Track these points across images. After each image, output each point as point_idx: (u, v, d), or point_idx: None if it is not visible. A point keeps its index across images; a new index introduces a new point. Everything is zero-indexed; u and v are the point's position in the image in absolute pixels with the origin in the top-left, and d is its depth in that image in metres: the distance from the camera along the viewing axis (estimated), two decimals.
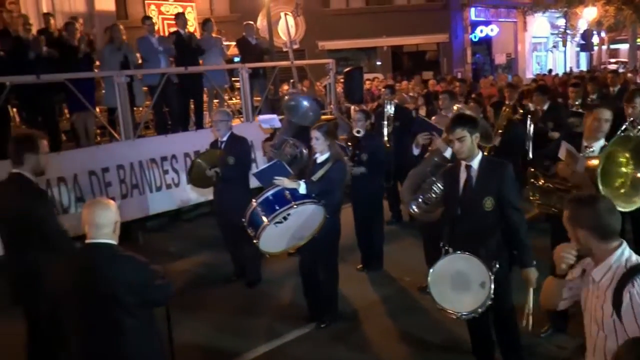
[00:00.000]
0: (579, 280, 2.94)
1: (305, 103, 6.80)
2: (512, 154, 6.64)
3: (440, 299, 4.16)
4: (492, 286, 3.99)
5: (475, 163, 4.25)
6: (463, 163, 4.30)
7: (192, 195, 9.05)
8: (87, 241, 3.40)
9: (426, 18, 25.50)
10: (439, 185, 5.24)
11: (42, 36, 8.65)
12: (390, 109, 8.13)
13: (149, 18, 10.62)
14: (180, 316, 4.68)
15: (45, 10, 12.21)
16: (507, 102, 8.62)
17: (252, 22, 11.91)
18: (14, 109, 9.42)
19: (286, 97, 7.03)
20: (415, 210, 5.54)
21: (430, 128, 5.98)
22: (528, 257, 4.19)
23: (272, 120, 7.56)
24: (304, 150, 6.45)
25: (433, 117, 6.59)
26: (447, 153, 5.30)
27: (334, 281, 5.84)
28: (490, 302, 4.03)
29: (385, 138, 7.89)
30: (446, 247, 4.30)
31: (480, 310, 4.06)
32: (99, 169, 8.12)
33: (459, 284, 4.16)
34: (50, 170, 7.36)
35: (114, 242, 3.44)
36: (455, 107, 6.69)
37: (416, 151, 6.26)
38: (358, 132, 6.85)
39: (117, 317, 3.34)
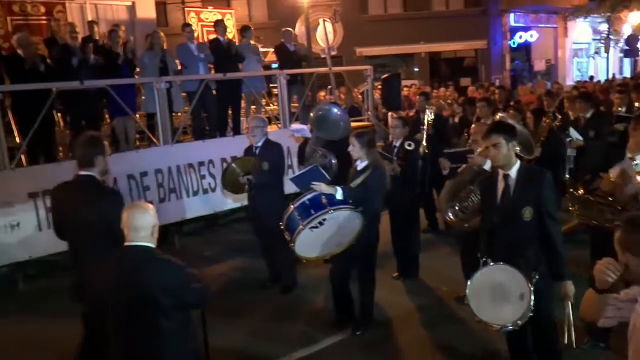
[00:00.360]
0: (630, 305, 2.71)
1: (336, 111, 6.72)
2: (553, 164, 6.54)
3: (479, 311, 4.09)
4: (532, 298, 3.91)
5: (513, 172, 4.16)
6: (501, 172, 4.23)
7: (229, 200, 9.13)
8: (126, 244, 3.47)
9: (465, 24, 25.25)
10: (476, 194, 5.19)
11: (88, 44, 8.83)
12: (430, 116, 8.07)
13: (189, 25, 10.78)
14: (215, 320, 4.71)
15: (90, 19, 12.53)
16: (546, 110, 8.49)
17: (290, 29, 11.98)
18: (59, 114, 9.65)
19: (315, 109, 6.94)
20: (452, 218, 5.51)
21: (458, 159, 5.96)
22: (563, 270, 4.11)
23: (303, 130, 7.58)
24: (334, 161, 6.49)
25: (472, 126, 6.51)
26: (487, 166, 5.22)
27: (371, 289, 5.81)
28: (530, 314, 3.94)
29: (424, 144, 7.78)
30: (484, 259, 4.22)
31: (520, 322, 3.98)
32: (138, 174, 8.28)
33: (498, 296, 4.08)
34: None
35: (152, 245, 3.49)
36: (498, 116, 6.61)
37: (445, 172, 6.25)
38: (410, 145, 6.80)
39: (154, 319, 3.38)
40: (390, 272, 7.11)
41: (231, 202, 9.17)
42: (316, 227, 5.23)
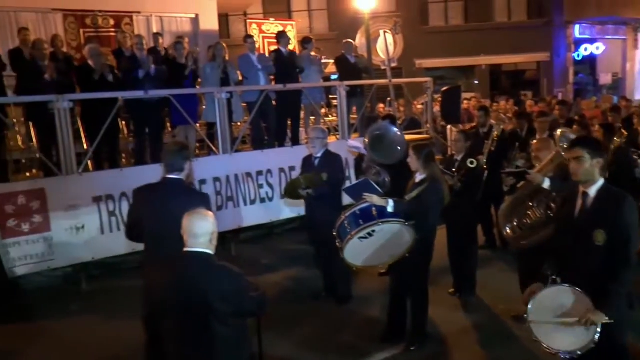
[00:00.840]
0: None
1: (393, 134, 6.61)
2: (621, 183, 6.32)
3: (539, 331, 3.88)
4: (598, 330, 3.67)
5: (593, 190, 3.91)
6: (581, 189, 4.00)
7: (285, 209, 9.24)
8: (184, 249, 3.54)
9: (527, 36, 24.72)
10: (536, 210, 5.08)
11: (153, 55, 9.09)
12: (497, 131, 7.94)
13: (251, 37, 10.94)
14: (268, 329, 4.76)
15: (155, 31, 12.97)
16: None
17: (351, 40, 12.01)
18: (123, 122, 9.96)
19: (372, 127, 6.91)
20: (509, 233, 5.41)
21: (518, 176, 5.86)
22: (608, 306, 3.70)
23: (359, 147, 7.58)
24: (387, 179, 6.46)
25: (534, 141, 6.38)
26: (546, 184, 5.12)
27: (423, 304, 5.76)
28: (593, 346, 3.68)
29: (484, 160, 7.64)
30: (553, 276, 3.97)
31: (579, 353, 3.74)
32: (197, 181, 8.43)
33: (561, 319, 3.83)
34: (151, 180, 7.87)
35: (210, 251, 3.55)
36: (559, 131, 6.45)
37: (506, 188, 6.14)
38: (472, 162, 6.72)
39: (210, 325, 3.43)
40: (446, 288, 7.03)
41: (288, 211, 9.28)
42: (365, 238, 5.25)
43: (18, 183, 7.94)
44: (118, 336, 6.14)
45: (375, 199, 5.28)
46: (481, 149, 7.65)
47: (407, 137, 7.79)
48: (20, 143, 9.44)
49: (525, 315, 3.98)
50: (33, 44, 8.72)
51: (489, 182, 7.43)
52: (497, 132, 7.90)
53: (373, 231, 5.23)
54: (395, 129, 6.72)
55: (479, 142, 7.92)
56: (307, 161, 6.96)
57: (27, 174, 9.40)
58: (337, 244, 5.43)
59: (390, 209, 5.23)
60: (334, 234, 5.47)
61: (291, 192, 6.92)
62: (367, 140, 6.53)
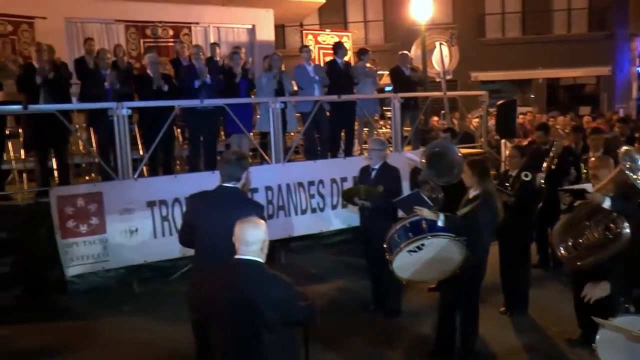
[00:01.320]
0: None
1: (454, 155, 6.46)
2: None
3: None
4: None
5: None
6: None
7: (336, 220, 9.23)
8: (235, 257, 3.57)
9: (587, 49, 24.05)
10: (593, 230, 4.94)
11: (209, 64, 9.25)
12: (558, 148, 7.74)
13: (307, 47, 10.98)
14: (316, 339, 4.75)
15: (212, 41, 13.24)
16: None
17: (406, 52, 11.93)
18: (178, 130, 10.16)
19: (432, 143, 6.82)
20: (563, 253, 5.26)
21: (577, 194, 5.70)
22: None
23: (415, 161, 7.52)
24: (440, 196, 6.39)
25: (591, 159, 6.20)
26: (606, 204, 4.95)
27: (474, 322, 5.64)
28: None
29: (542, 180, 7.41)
30: (627, 304, 3.75)
31: None
32: (249, 189, 8.55)
33: (635, 354, 3.57)
34: (204, 187, 8.00)
35: (261, 260, 3.57)
36: (623, 149, 6.23)
37: (564, 207, 5.97)
38: (526, 175, 6.59)
39: (259, 332, 3.44)
40: (496, 306, 6.87)
41: (338, 222, 9.26)
42: (414, 251, 5.23)
43: (78, 186, 8.22)
44: (166, 338, 6.25)
45: (426, 213, 5.25)
46: (541, 166, 7.46)
47: (461, 151, 7.67)
48: (81, 148, 9.78)
49: (594, 345, 3.77)
50: (97, 54, 9.02)
51: (546, 200, 7.25)
52: (558, 150, 7.69)
53: (422, 245, 5.21)
54: (457, 150, 6.60)
55: (539, 159, 7.70)
56: (364, 172, 6.95)
57: (86, 178, 9.71)
58: (387, 256, 5.42)
59: (440, 223, 5.19)
60: (385, 246, 5.45)
61: (348, 197, 6.99)
62: (424, 155, 6.47)
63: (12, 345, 6.47)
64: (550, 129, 9.46)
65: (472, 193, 5.49)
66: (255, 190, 8.56)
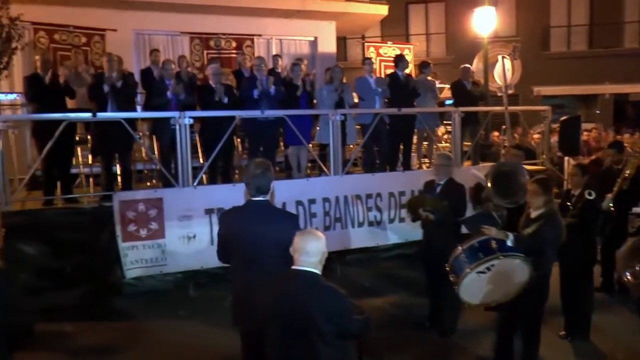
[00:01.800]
0: None
1: (522, 177, 6.35)
2: None
3: None
4: None
5: None
6: None
7: (393, 235, 9.16)
8: (293, 267, 3.60)
9: None
10: None
11: (271, 76, 9.36)
12: (632, 168, 7.44)
13: (369, 59, 11.00)
14: (368, 354, 4.71)
15: (274, 52, 13.41)
16: None
17: (468, 66, 11.77)
18: (238, 139, 10.30)
19: (499, 162, 6.62)
20: (630, 279, 5.05)
21: None
22: None
23: (480, 178, 7.38)
24: (504, 214, 6.24)
25: None
26: None
27: (535, 346, 5.47)
28: None
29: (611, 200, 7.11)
30: None
31: None
32: (306, 200, 8.59)
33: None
34: None
35: (318, 271, 3.60)
36: None
37: (631, 230, 5.74)
38: (590, 194, 6.37)
39: (313, 343, 3.46)
40: (556, 330, 6.65)
41: (395, 236, 9.19)
42: (483, 272, 5.08)
43: (139, 191, 8.40)
44: (217, 344, 6.33)
45: (495, 232, 5.14)
46: (612, 187, 7.21)
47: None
48: (143, 155, 10.03)
49: None
50: (162, 64, 9.25)
51: (615, 222, 6.98)
52: (631, 170, 7.40)
53: (492, 265, 5.08)
54: (526, 172, 6.43)
55: (611, 180, 7.43)
56: (429, 186, 6.86)
57: (148, 184, 9.96)
58: (451, 278, 5.29)
59: (509, 243, 5.07)
60: (447, 267, 5.34)
61: (413, 206, 6.80)
62: (491, 173, 6.35)
63: (74, 341, 6.70)
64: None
65: (534, 212, 5.35)
66: (312, 201, 8.60)
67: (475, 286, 5.16)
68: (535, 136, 13.03)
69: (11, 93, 12.18)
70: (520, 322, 5.46)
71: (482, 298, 5.32)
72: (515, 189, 6.17)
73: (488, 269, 5.07)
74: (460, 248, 5.29)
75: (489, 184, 6.38)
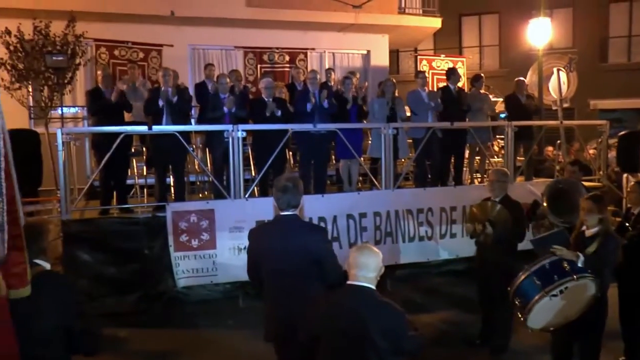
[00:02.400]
0: None
1: (579, 196, 6.02)
2: None
3: None
4: None
5: None
6: None
7: (444, 250, 9.07)
8: (349, 282, 3.60)
9: None
10: None
11: (323, 89, 9.41)
12: None
13: (422, 73, 10.92)
14: None
15: (327, 66, 13.52)
16: None
17: (523, 79, 11.58)
18: (290, 152, 10.39)
19: (555, 180, 6.42)
20: None
21: None
22: None
23: (536, 194, 7.22)
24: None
25: None
26: None
27: None
28: None
29: None
30: None
31: None
32: (357, 214, 8.59)
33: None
34: (313, 210, 8.15)
35: (373, 286, 3.58)
36: None
37: None
38: None
39: (368, 358, 3.45)
40: (615, 354, 6.33)
41: (446, 252, 9.09)
42: (555, 295, 4.91)
43: (192, 202, 8.57)
44: (266, 355, 6.33)
45: (566, 252, 4.97)
46: None
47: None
48: (196, 167, 10.22)
49: None
50: (217, 78, 9.43)
51: None
52: None
53: (566, 288, 4.90)
54: (584, 191, 6.24)
55: None
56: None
57: (200, 195, 10.13)
58: (517, 302, 5.12)
59: (580, 264, 4.90)
60: (510, 289, 5.18)
61: (474, 217, 6.49)
62: (547, 190, 6.20)
63: (128, 347, 6.89)
64: None
65: (589, 230, 5.19)
66: (363, 215, 8.60)
67: (544, 310, 5.00)
68: (592, 151, 12.68)
69: (74, 107, 12.69)
70: (578, 344, 5.29)
71: (546, 322, 5.13)
72: (571, 207, 5.98)
73: (561, 291, 4.90)
74: (528, 271, 5.08)
75: (545, 202, 6.21)
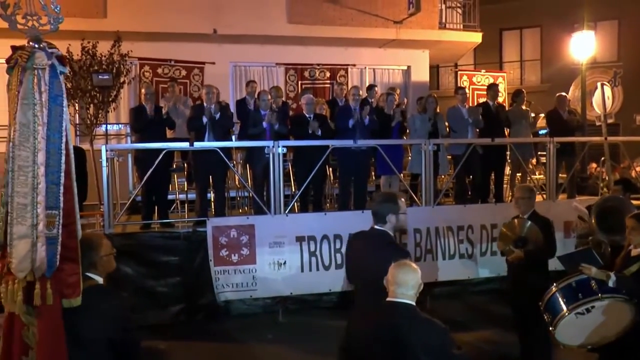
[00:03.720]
0: None
1: (631, 210, 5.85)
2: None
3: None
4: None
5: None
6: None
7: (484, 268, 8.94)
8: (388, 299, 3.60)
9: None
10: None
11: (365, 105, 9.44)
12: None
13: (462, 89, 10.87)
14: None
15: (368, 82, 13.57)
16: None
17: (565, 94, 11.40)
18: (330, 168, 10.44)
19: (604, 197, 6.24)
20: None
21: None
22: None
23: (583, 211, 7.07)
24: (607, 250, 5.92)
25: None
26: None
27: None
28: None
29: None
30: None
31: None
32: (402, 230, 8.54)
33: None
34: (353, 226, 8.09)
35: (413, 303, 3.58)
36: None
37: None
38: None
39: None
40: None
41: (487, 271, 8.97)
42: (582, 314, 4.82)
43: (232, 218, 8.68)
44: None
45: (594, 272, 4.84)
46: None
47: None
48: (237, 182, 10.34)
49: None
50: (258, 95, 9.57)
51: None
52: None
53: (592, 307, 4.81)
54: (634, 209, 6.10)
55: None
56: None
57: (240, 211, 10.22)
58: (546, 317, 5.08)
59: (611, 284, 4.76)
60: (541, 305, 5.13)
61: (506, 232, 6.38)
62: (594, 208, 6.06)
63: (168, 359, 6.98)
64: None
65: (635, 250, 5.06)
66: (403, 231, 8.54)
67: (573, 328, 4.92)
68: (638, 169, 12.37)
69: (117, 124, 13.01)
70: None
71: (581, 340, 5.03)
72: (620, 226, 5.84)
73: (588, 310, 4.81)
74: (555, 287, 5.06)
75: (593, 220, 6.08)
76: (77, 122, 12.27)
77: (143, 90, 9.32)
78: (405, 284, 3.55)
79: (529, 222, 6.16)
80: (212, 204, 9.10)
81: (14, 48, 3.25)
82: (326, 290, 8.32)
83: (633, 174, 12.06)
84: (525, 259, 6.09)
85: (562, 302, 4.92)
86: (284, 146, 8.38)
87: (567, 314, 4.83)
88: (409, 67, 15.82)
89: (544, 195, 9.90)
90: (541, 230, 6.12)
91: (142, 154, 8.72)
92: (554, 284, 5.09)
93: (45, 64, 3.21)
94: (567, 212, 8.04)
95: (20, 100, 3.16)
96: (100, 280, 3.65)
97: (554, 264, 6.18)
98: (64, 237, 3.24)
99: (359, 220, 8.26)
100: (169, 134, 9.52)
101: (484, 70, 16.40)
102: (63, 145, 3.25)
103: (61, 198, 3.23)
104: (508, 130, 10.61)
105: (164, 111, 8.99)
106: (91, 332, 3.41)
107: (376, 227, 4.55)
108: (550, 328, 4.98)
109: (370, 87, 11.67)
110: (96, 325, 3.42)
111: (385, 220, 4.52)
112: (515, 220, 6.33)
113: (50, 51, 3.27)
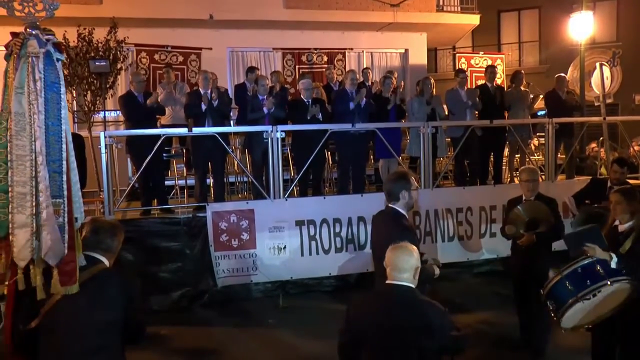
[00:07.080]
0: None
1: None
2: None
3: None
4: None
5: None
6: None
7: (484, 250, 8.98)
8: (387, 282, 3.61)
9: None
10: None
11: (361, 89, 9.41)
12: None
13: (462, 71, 10.81)
14: None
15: (365, 65, 13.52)
16: None
17: (564, 75, 11.34)
18: (328, 152, 10.44)
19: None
20: None
21: None
22: None
23: (573, 208, 7.07)
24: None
25: None
26: None
27: None
28: None
29: None
30: None
31: None
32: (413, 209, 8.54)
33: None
34: (352, 209, 8.19)
35: (413, 285, 3.58)
36: None
37: None
38: None
39: (412, 358, 3.45)
40: None
41: (486, 252, 9.00)
42: (588, 299, 4.80)
43: (231, 203, 8.68)
44: (306, 354, 6.40)
45: (599, 252, 4.80)
46: None
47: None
48: (236, 167, 10.35)
49: None
50: (256, 80, 9.54)
51: None
52: None
53: (599, 292, 4.76)
54: None
55: None
56: (514, 204, 6.45)
57: (239, 196, 10.23)
58: (550, 306, 5.03)
59: (613, 265, 4.74)
60: (543, 291, 5.10)
61: (519, 215, 6.25)
62: (580, 217, 6.07)
63: (169, 344, 7.01)
64: None
65: (622, 225, 5.05)
66: (415, 212, 8.55)
67: (577, 312, 4.90)
68: (637, 148, 12.36)
69: (115, 110, 12.99)
70: (619, 348, 5.18)
71: (577, 321, 5.02)
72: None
73: (594, 294, 4.78)
74: (560, 275, 4.97)
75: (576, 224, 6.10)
76: (75, 109, 12.24)
77: (131, 78, 9.26)
78: (401, 267, 3.56)
79: (541, 204, 6.15)
80: (212, 189, 9.11)
81: (14, 35, 3.23)
82: (326, 274, 8.39)
83: (632, 153, 12.07)
84: (537, 239, 6.08)
85: (569, 290, 4.85)
86: (282, 131, 8.38)
87: (577, 300, 4.77)
88: (406, 50, 15.78)
89: (543, 176, 9.90)
90: (551, 209, 6.13)
91: (135, 141, 8.64)
92: (559, 271, 5.01)
93: (38, 52, 3.18)
94: (565, 193, 8.05)
95: (14, 89, 3.14)
96: (107, 264, 3.65)
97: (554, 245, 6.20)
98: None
99: (358, 204, 8.38)
100: (165, 119, 9.50)
101: (482, 53, 16.34)
102: (63, 133, 3.24)
103: (65, 186, 3.22)
104: (507, 112, 10.57)
105: (149, 101, 8.90)
106: (106, 314, 3.38)
107: (390, 205, 4.60)
108: (556, 317, 4.94)
109: (365, 71, 11.65)
110: (112, 306, 3.40)
111: (398, 197, 4.56)
112: (530, 202, 6.26)
113: (46, 38, 3.24)
